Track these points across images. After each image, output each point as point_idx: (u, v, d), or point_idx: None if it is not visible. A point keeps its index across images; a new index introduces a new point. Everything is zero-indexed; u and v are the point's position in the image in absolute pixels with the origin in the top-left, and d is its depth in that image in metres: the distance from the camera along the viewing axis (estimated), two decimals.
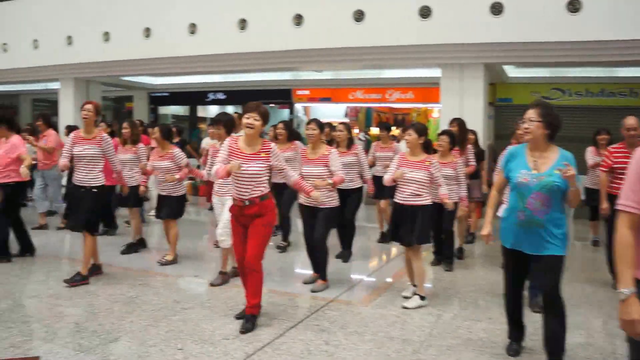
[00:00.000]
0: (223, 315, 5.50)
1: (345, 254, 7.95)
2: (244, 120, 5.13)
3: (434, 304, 6.00)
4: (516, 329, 4.73)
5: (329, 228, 6.50)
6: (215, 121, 6.78)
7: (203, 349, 4.67)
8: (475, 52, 10.74)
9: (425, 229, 6.00)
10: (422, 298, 5.94)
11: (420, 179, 5.94)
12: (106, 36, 14.16)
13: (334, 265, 7.48)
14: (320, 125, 6.57)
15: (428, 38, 10.78)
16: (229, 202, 6.00)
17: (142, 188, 8.03)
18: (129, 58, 14.00)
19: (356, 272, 7.52)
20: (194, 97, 19.57)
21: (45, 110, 16.89)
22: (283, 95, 17.82)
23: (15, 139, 7.61)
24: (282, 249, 8.46)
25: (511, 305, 4.63)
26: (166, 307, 5.74)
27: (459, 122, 8.23)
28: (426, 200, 5.99)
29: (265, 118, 5.19)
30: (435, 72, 12.24)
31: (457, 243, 8.09)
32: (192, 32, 12.96)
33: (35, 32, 15.40)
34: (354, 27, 11.36)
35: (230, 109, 21.48)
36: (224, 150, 5.21)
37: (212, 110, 21.05)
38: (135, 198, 8.23)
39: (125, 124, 8.48)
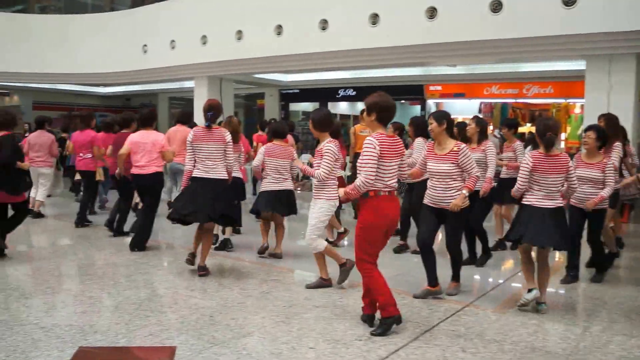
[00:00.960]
0: (355, 314, 5.31)
1: (482, 259, 7.54)
2: None
3: (580, 315, 5.60)
4: None
5: (461, 231, 6.15)
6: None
7: (335, 349, 4.52)
8: (627, 41, 9.90)
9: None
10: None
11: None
12: (239, 35, 14.42)
13: (466, 269, 7.13)
14: (438, 118, 5.96)
15: (572, 27, 10.07)
16: (318, 205, 6.15)
17: None
18: (260, 56, 14.18)
19: (491, 276, 7.14)
20: (324, 94, 19.64)
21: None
22: (415, 91, 17.54)
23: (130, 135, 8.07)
24: (400, 248, 8.13)
25: None
26: (297, 304, 5.65)
27: (606, 118, 7.37)
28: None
29: (371, 109, 4.90)
30: (579, 65, 11.50)
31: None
32: (324, 29, 12.92)
33: (172, 33, 15.97)
34: (491, 18, 10.85)
35: (360, 106, 21.52)
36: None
37: (342, 107, 21.14)
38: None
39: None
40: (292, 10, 13.44)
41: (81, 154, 9.86)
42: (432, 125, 5.93)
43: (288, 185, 7.60)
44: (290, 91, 20.17)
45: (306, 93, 20.04)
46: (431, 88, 17.62)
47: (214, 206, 6.51)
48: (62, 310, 5.37)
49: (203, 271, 6.63)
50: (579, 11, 9.95)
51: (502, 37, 10.87)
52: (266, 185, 7.56)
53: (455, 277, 6.17)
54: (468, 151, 5.90)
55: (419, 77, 16.99)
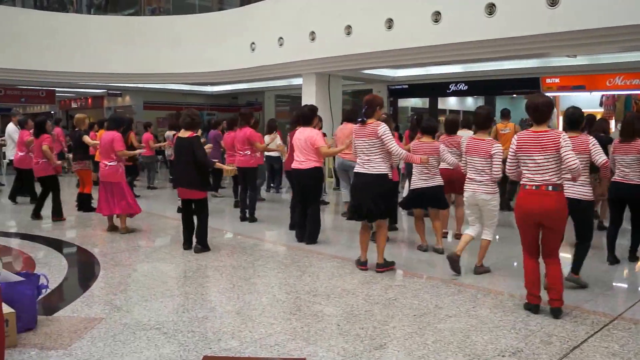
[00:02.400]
0: (493, 326, 4.88)
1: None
2: None
3: None
4: None
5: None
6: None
7: None
8: None
9: None
10: None
11: None
12: (348, 30, 14.10)
13: (609, 273, 6.65)
14: None
15: None
16: (495, 201, 6.49)
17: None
18: (370, 51, 13.81)
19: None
20: (434, 89, 19.12)
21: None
22: (530, 85, 16.63)
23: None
24: None
25: None
26: (428, 312, 5.26)
27: None
28: None
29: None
30: None
31: None
32: (436, 21, 12.37)
33: (280, 31, 15.85)
34: (619, 2, 9.95)
35: (470, 101, 20.86)
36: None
37: (452, 102, 20.55)
38: None
39: None
40: (403, 3, 12.98)
41: (240, 151, 10.31)
42: None
43: (437, 181, 7.67)
44: (399, 87, 19.68)
45: (415, 88, 19.47)
46: (548, 80, 16.64)
47: (365, 202, 6.56)
48: (183, 315, 5.20)
49: (380, 268, 6.69)
50: None
51: (632, 22, 9.98)
52: (414, 183, 7.78)
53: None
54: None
55: (535, 69, 16.06)
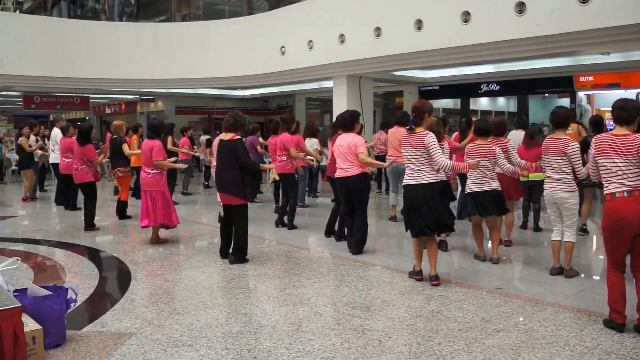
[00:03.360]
0: (545, 342, 4.58)
1: None
2: None
3: None
4: None
5: None
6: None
7: None
8: None
9: None
10: None
11: None
12: (377, 32, 13.86)
13: None
14: None
15: None
16: (575, 199, 6.41)
17: None
18: (400, 52, 13.55)
19: None
20: (466, 89, 18.86)
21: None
22: (563, 83, 16.31)
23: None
24: None
25: None
26: (475, 327, 4.97)
27: None
28: None
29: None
30: None
31: None
32: (466, 21, 12.05)
33: (310, 34, 15.66)
34: None
35: (502, 101, 20.46)
36: None
37: (483, 103, 20.23)
38: None
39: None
40: (432, 4, 12.70)
41: (279, 157, 10.12)
42: None
43: (494, 185, 7.24)
44: (430, 88, 19.42)
45: (446, 89, 19.21)
46: (581, 79, 16.27)
47: (421, 215, 6.23)
48: (217, 329, 5.00)
49: (435, 281, 6.29)
50: None
51: None
52: (469, 187, 7.35)
53: None
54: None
55: (567, 67, 15.71)
